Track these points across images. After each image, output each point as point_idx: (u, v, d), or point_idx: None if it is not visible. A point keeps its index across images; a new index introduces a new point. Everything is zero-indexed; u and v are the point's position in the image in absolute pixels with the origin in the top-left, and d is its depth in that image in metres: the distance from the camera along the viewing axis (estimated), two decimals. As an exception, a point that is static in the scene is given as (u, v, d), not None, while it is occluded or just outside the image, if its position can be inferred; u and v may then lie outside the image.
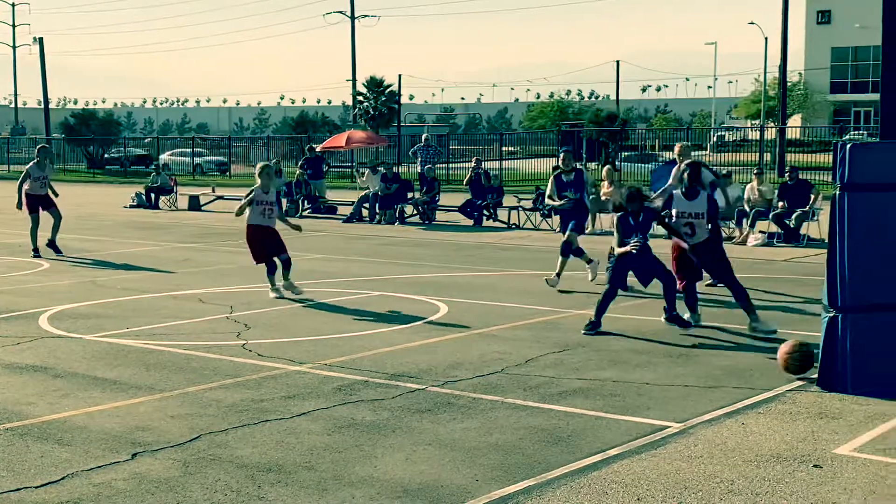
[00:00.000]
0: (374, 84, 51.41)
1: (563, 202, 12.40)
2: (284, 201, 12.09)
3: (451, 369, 7.96)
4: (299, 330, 9.71)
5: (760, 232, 17.76)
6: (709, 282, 11.30)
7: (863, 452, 5.81)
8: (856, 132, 49.04)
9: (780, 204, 17.82)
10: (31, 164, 16.54)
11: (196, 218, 24.72)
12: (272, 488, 5.30)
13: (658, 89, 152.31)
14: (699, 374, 7.81)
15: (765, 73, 58.67)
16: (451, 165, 39.94)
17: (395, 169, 24.71)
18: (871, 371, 7.19)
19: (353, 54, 54.33)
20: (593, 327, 9.39)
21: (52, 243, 16.15)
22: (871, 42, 56.84)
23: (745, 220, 17.96)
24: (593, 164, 41.89)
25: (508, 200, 22.27)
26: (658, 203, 10.28)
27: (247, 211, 11.77)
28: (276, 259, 11.68)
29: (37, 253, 15.96)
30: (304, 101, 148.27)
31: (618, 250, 9.62)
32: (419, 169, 25.41)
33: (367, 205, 23.09)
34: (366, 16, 57.40)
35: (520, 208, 21.38)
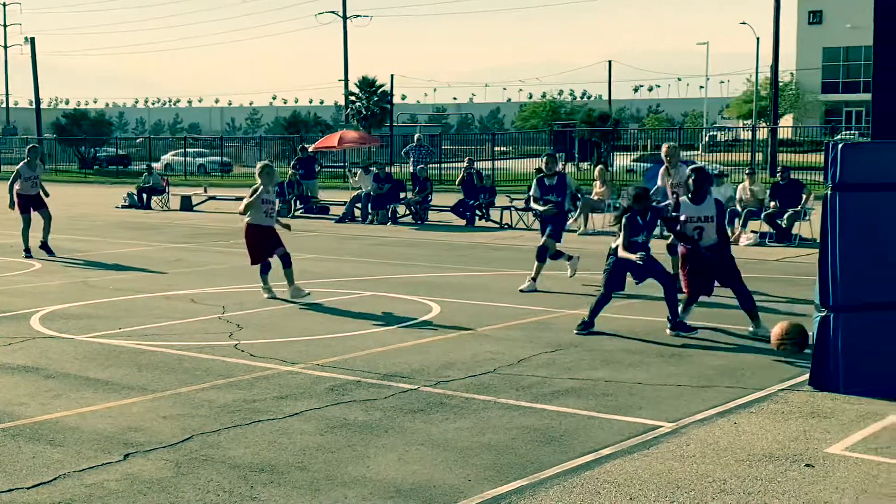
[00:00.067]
0: (367, 84, 51.40)
1: (547, 208, 12.25)
2: (277, 201, 11.84)
3: (443, 369, 7.96)
4: (291, 330, 9.70)
5: (752, 232, 17.81)
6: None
7: (854, 452, 5.83)
8: (847, 132, 49.22)
9: (772, 204, 17.88)
10: (21, 164, 16.49)
11: (188, 218, 24.68)
12: (265, 488, 5.29)
13: (650, 89, 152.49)
14: (691, 373, 7.82)
15: (756, 73, 58.83)
16: (443, 165, 39.97)
17: (387, 169, 24.66)
18: (862, 370, 7.22)
19: (345, 54, 54.30)
20: (586, 327, 9.39)
21: (44, 245, 16.10)
22: (863, 42, 57.03)
23: (737, 220, 18.00)
24: (585, 163, 42.00)
25: (500, 200, 22.28)
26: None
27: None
28: (273, 256, 11.49)
29: (28, 253, 15.91)
30: (296, 101, 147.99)
31: (622, 253, 9.35)
32: (411, 169, 25.44)
33: (359, 205, 23.09)
34: (358, 16, 57.39)
35: (512, 208, 21.39)
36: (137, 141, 66.91)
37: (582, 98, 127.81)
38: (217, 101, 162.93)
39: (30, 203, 16.29)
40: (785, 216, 17.60)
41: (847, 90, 64.63)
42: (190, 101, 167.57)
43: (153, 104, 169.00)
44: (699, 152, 41.05)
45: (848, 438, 6.08)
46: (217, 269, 14.50)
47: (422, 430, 6.32)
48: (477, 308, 10.95)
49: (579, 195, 21.00)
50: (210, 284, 12.84)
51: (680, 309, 9.36)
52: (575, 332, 9.34)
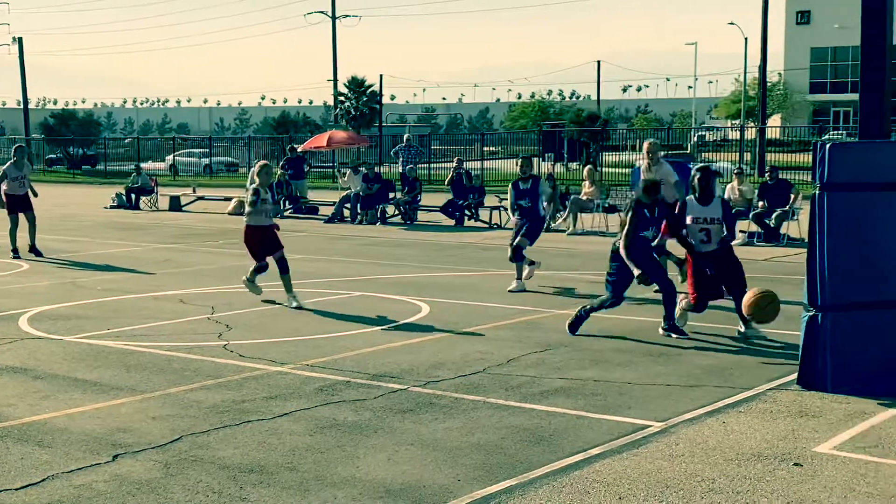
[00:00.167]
0: (356, 84, 51.34)
1: (516, 220, 12.16)
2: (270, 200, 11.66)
3: (432, 369, 7.96)
4: (281, 330, 9.68)
5: (741, 231, 17.86)
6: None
7: (843, 450, 5.86)
8: (835, 132, 49.42)
9: (761, 203, 17.94)
10: (7, 164, 16.41)
11: (177, 218, 24.61)
12: (254, 489, 5.28)
13: (639, 89, 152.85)
14: (680, 373, 7.85)
15: (745, 73, 59.01)
16: (432, 165, 39.96)
17: (376, 169, 24.64)
18: (850, 370, 7.25)
19: (334, 54, 54.22)
20: (577, 322, 9.31)
21: (32, 248, 16.04)
22: (850, 42, 57.28)
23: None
24: (574, 164, 42.06)
25: (490, 200, 22.29)
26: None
27: (243, 209, 11.38)
28: (270, 258, 11.22)
29: (16, 254, 15.84)
30: (285, 101, 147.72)
31: (623, 252, 9.05)
32: (401, 169, 25.40)
33: (348, 205, 23.06)
34: (347, 16, 57.30)
35: (501, 208, 21.41)
36: (126, 141, 66.66)
37: (571, 98, 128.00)
38: (206, 102, 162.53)
39: (17, 203, 16.22)
40: (773, 216, 17.67)
41: (835, 90, 64.91)
42: (178, 102, 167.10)
43: (142, 104, 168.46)
44: (688, 152, 41.14)
45: (836, 437, 6.11)
46: (206, 270, 14.46)
47: (411, 430, 6.32)
48: (466, 308, 10.95)
49: (569, 196, 21.04)
50: (199, 285, 12.81)
51: (677, 312, 9.23)
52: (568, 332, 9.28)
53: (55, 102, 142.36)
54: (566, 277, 13.36)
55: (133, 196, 28.02)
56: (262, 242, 11.23)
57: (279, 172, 25.10)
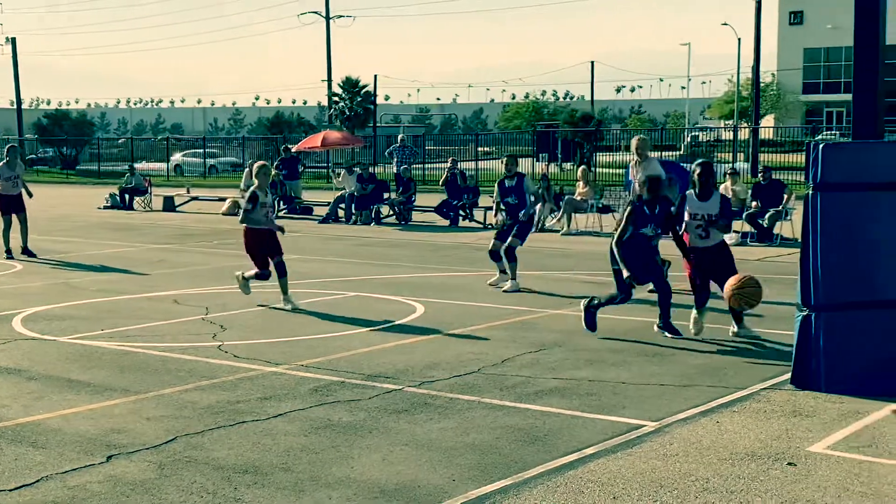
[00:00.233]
0: (350, 84, 51.29)
1: (523, 214, 12.15)
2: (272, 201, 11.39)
3: (427, 369, 7.96)
4: (275, 331, 9.67)
5: (734, 231, 17.89)
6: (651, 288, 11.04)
7: (836, 450, 5.87)
8: (828, 132, 49.58)
9: (754, 204, 17.98)
10: (0, 164, 16.36)
11: (171, 219, 24.57)
12: (248, 490, 5.28)
13: (632, 90, 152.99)
14: (674, 373, 7.86)
15: (738, 73, 59.09)
16: (427, 166, 39.93)
17: (370, 169, 24.67)
18: (844, 369, 7.27)
19: (328, 55, 54.17)
20: (590, 319, 9.19)
21: (25, 250, 16.00)
22: (843, 43, 57.48)
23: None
24: (569, 164, 42.10)
25: (484, 201, 22.27)
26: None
27: (240, 214, 10.98)
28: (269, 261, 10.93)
29: (9, 254, 15.80)
30: (279, 101, 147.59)
31: (615, 247, 9.02)
32: (395, 169, 25.39)
33: (343, 205, 23.05)
34: (341, 16, 57.22)
35: (495, 208, 21.40)
36: (119, 141, 66.52)
37: (565, 98, 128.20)
38: (199, 102, 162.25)
39: (10, 204, 16.18)
40: (766, 216, 17.70)
41: (828, 90, 65.09)
42: (172, 102, 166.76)
43: (135, 104, 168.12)
44: (681, 153, 41.22)
45: (830, 437, 6.13)
46: (200, 270, 14.44)
47: (406, 430, 6.32)
48: (461, 308, 10.96)
49: (563, 196, 21.06)
50: (193, 285, 12.79)
51: (691, 324, 9.06)
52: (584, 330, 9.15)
53: (48, 103, 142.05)
54: (561, 278, 13.37)
55: (127, 196, 27.97)
56: (262, 245, 10.93)
57: (273, 173, 25.10)
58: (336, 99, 51.69)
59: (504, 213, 12.34)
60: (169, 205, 27.46)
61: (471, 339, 9.19)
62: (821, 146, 7.34)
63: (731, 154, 38.53)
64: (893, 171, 7.40)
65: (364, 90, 51.55)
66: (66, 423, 6.54)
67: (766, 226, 17.66)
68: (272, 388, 7.42)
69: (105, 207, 27.83)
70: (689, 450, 5.90)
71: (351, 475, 5.50)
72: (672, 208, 9.18)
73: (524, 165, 38.22)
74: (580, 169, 22.56)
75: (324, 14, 54.85)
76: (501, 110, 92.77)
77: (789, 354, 7.62)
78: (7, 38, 59.69)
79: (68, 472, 5.56)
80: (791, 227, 17.52)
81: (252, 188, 11.03)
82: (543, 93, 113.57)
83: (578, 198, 20.51)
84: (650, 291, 9.86)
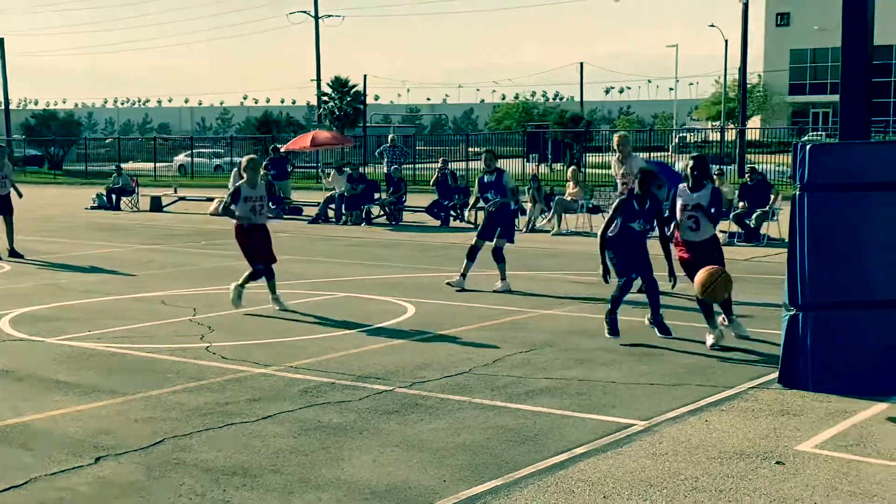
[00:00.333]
0: (339, 84, 51.22)
1: (491, 204, 12.16)
2: (264, 196, 10.95)
3: (418, 370, 7.96)
4: (264, 332, 9.65)
5: (721, 231, 17.96)
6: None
7: (824, 449, 5.90)
8: (814, 133, 49.80)
9: (741, 204, 18.05)
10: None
11: (158, 219, 24.50)
12: (237, 492, 5.27)
13: (621, 91, 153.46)
14: (663, 372, 7.88)
15: (725, 75, 59.34)
16: (417, 166, 39.94)
17: (360, 169, 24.65)
18: (831, 369, 7.30)
19: (317, 54, 54.09)
20: (613, 326, 8.95)
21: (12, 251, 15.91)
22: (830, 44, 57.73)
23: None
24: (559, 164, 42.17)
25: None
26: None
27: (235, 210, 10.55)
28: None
29: (-4, 255, 15.72)
30: (267, 101, 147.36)
31: (600, 236, 8.89)
32: (385, 169, 25.39)
33: (332, 206, 23.02)
34: (330, 15, 57.18)
35: (472, 203, 21.41)
36: (107, 141, 66.28)
37: (554, 99, 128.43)
38: (187, 101, 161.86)
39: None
40: (753, 216, 17.77)
41: (814, 91, 65.38)
42: (159, 101, 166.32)
43: (122, 104, 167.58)
44: (669, 153, 41.35)
45: (817, 436, 6.16)
46: (188, 271, 14.40)
47: (397, 431, 6.32)
48: (451, 309, 10.96)
49: (553, 196, 21.09)
50: (181, 286, 12.75)
51: (710, 339, 8.76)
52: (608, 336, 8.93)
53: (36, 103, 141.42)
54: (551, 278, 13.40)
55: (114, 197, 27.87)
56: (251, 241, 10.68)
57: (262, 173, 25.05)
58: (325, 99, 51.62)
59: (484, 211, 12.34)
60: (156, 205, 27.37)
61: (461, 340, 9.19)
62: (808, 147, 7.38)
63: (718, 155, 38.59)
64: (880, 172, 7.45)
65: (354, 90, 51.49)
66: (55, 424, 6.51)
67: (752, 226, 17.73)
68: (261, 389, 7.40)
69: (92, 208, 27.72)
70: (679, 449, 5.92)
71: (341, 477, 5.49)
72: (663, 207, 9.13)
73: (513, 166, 38.35)
74: (570, 169, 22.61)
75: (313, 13, 54.78)
76: (491, 111, 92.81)
77: (777, 354, 7.66)
78: (-6, 39, 59.36)
79: (56, 473, 5.54)
80: (778, 227, 17.59)
81: (238, 183, 10.86)
82: (533, 93, 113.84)
83: (568, 198, 20.55)
84: (639, 291, 9.87)
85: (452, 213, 22.25)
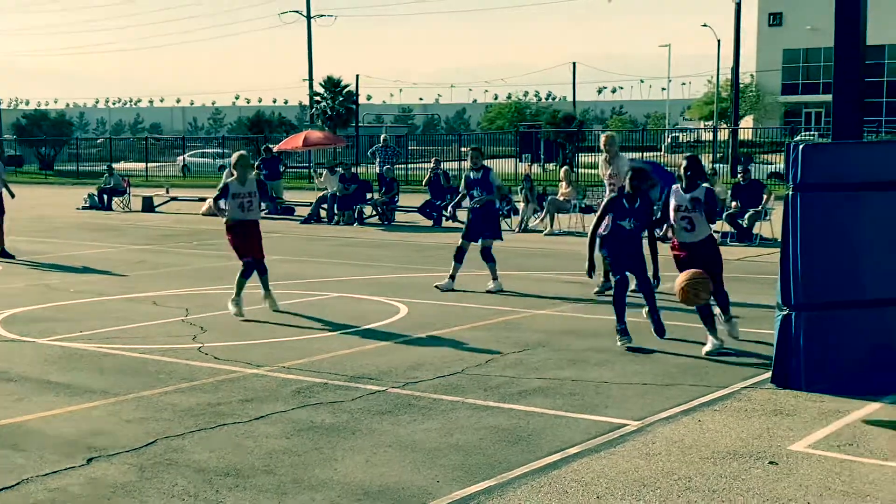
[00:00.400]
0: (332, 84, 51.15)
1: (476, 201, 12.12)
2: (254, 193, 10.66)
3: (411, 370, 7.95)
4: (257, 332, 9.63)
5: (714, 231, 17.98)
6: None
7: (817, 449, 5.91)
8: (807, 133, 49.93)
9: (734, 204, 18.08)
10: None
11: (150, 219, 24.43)
12: (230, 493, 5.25)
13: (613, 91, 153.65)
14: (656, 372, 7.88)
15: (717, 74, 59.45)
16: (409, 166, 39.93)
17: (353, 169, 24.58)
18: (824, 368, 7.32)
19: (309, 54, 54.01)
20: (624, 333, 8.76)
21: (3, 252, 15.84)
22: (822, 44, 57.87)
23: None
24: (551, 164, 42.20)
25: (468, 201, 22.29)
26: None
27: (224, 207, 10.46)
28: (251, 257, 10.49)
29: (-13, 256, 15.65)
30: (259, 101, 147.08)
31: (590, 234, 8.81)
32: (378, 169, 25.36)
33: (325, 206, 22.99)
34: (322, 15, 57.09)
35: (457, 200, 21.39)
36: (98, 141, 66.09)
37: (547, 99, 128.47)
38: (179, 101, 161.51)
39: (-11, 204, 16.02)
40: (746, 216, 17.80)
41: (806, 91, 65.48)
42: (151, 101, 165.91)
43: (114, 104, 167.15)
44: (662, 153, 41.42)
45: (810, 436, 6.16)
46: (180, 271, 14.36)
47: (390, 431, 6.31)
48: (444, 309, 10.95)
49: (545, 196, 21.09)
50: (173, 286, 12.72)
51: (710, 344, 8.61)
52: (619, 344, 8.73)
53: (27, 103, 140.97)
54: (543, 278, 13.40)
55: (105, 197, 27.78)
56: (241, 238, 10.49)
57: (254, 173, 25.00)
58: (318, 98, 51.54)
59: (467, 209, 12.34)
60: (148, 205, 27.30)
61: (454, 340, 9.18)
62: (801, 147, 7.39)
63: (711, 155, 38.69)
64: (872, 172, 7.47)
65: (346, 90, 51.41)
66: (46, 425, 6.48)
67: (745, 226, 17.76)
68: (253, 390, 7.38)
69: (84, 208, 27.64)
70: (672, 449, 5.91)
71: (334, 477, 5.47)
72: (655, 207, 9.01)
73: (506, 166, 38.36)
74: (563, 169, 22.62)
75: (305, 13, 54.71)
76: (484, 111, 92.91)
77: (770, 354, 7.67)
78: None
79: (48, 474, 5.51)
80: (770, 227, 17.63)
81: (227, 180, 10.73)
82: (526, 93, 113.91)
83: (561, 198, 20.56)
84: (633, 291, 9.84)
85: (445, 212, 22.23)
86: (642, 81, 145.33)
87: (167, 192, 29.35)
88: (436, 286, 12.19)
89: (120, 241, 18.96)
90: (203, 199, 26.44)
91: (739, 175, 19.24)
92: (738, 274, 13.16)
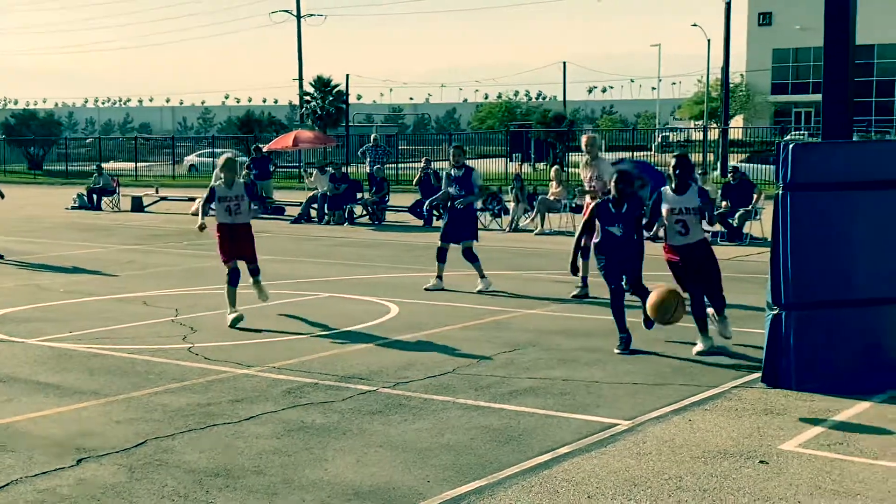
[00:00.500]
0: (322, 84, 51.06)
1: (459, 201, 12.05)
2: (242, 196, 10.38)
3: (402, 370, 7.94)
4: (247, 333, 9.60)
5: (704, 231, 18.02)
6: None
7: (808, 448, 5.92)
8: (797, 132, 50.07)
9: (724, 203, 18.12)
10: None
11: (139, 219, 24.35)
12: (220, 493, 5.23)
13: (604, 90, 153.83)
14: (647, 371, 7.89)
15: (707, 74, 59.58)
16: (400, 165, 39.90)
17: (343, 169, 24.56)
18: (814, 368, 7.33)
19: (299, 53, 53.92)
20: (626, 344, 8.57)
21: None
22: (812, 43, 58.09)
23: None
24: (542, 164, 42.23)
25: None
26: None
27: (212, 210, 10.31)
28: (242, 263, 10.31)
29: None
30: (249, 100, 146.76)
31: (576, 235, 8.64)
32: (368, 169, 25.33)
33: (315, 205, 22.95)
34: (312, 14, 56.99)
35: (476, 209, 21.40)
36: (87, 141, 65.84)
37: (537, 99, 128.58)
38: (168, 101, 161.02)
39: (-23, 204, 15.96)
40: (736, 216, 17.85)
41: (796, 91, 65.70)
42: (140, 101, 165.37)
43: (103, 104, 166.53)
44: (652, 153, 41.49)
45: (801, 435, 6.18)
46: (170, 271, 14.31)
47: (380, 431, 6.29)
48: (435, 308, 10.94)
49: (536, 196, 21.10)
50: (163, 286, 12.67)
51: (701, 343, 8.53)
52: (617, 351, 8.54)
53: (16, 102, 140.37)
54: (534, 277, 13.40)
55: (95, 197, 27.68)
56: (228, 241, 10.28)
57: (244, 172, 24.95)
58: (308, 98, 51.45)
59: (443, 208, 12.36)
60: (137, 205, 27.21)
61: (445, 340, 9.17)
62: (791, 146, 7.40)
63: (701, 155, 38.80)
64: (862, 171, 7.49)
65: (336, 89, 51.33)
66: (35, 426, 6.45)
67: (735, 225, 17.81)
68: (244, 390, 7.36)
69: (73, 208, 27.53)
70: (663, 448, 5.92)
71: (325, 477, 5.46)
72: (644, 209, 8.76)
73: (496, 166, 38.37)
74: (553, 169, 22.65)
75: (295, 13, 54.60)
76: (474, 110, 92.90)
77: (760, 353, 7.68)
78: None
79: (38, 475, 5.48)
80: (760, 226, 17.68)
81: (213, 183, 10.60)
82: (516, 93, 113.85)
83: (551, 198, 20.57)
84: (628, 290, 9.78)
85: (435, 212, 22.21)
86: (632, 81, 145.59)
87: (157, 191, 29.26)
88: (425, 289, 12.16)
89: (109, 241, 18.89)
90: (193, 199, 26.36)
91: (730, 175, 19.29)
92: (728, 273, 13.16)
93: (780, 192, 7.39)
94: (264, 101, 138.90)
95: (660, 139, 47.54)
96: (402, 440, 6.11)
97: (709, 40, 57.81)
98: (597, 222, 8.75)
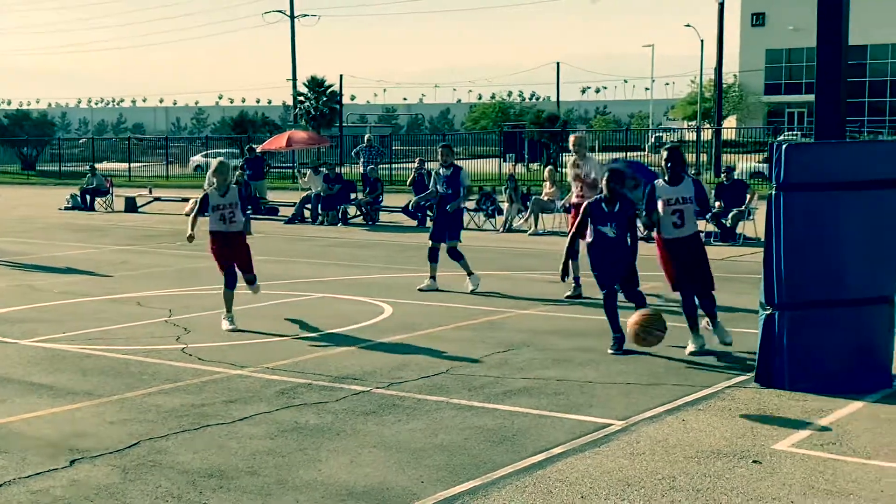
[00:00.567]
0: (315, 84, 51.05)
1: (450, 206, 12.02)
2: (234, 203, 10.10)
3: (395, 371, 7.94)
4: (240, 333, 9.58)
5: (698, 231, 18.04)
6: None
7: (801, 448, 5.93)
8: (790, 133, 50.20)
9: (717, 204, 18.14)
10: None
11: (133, 220, 24.31)
12: (214, 494, 5.22)
13: (597, 91, 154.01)
14: (641, 371, 7.90)
15: (700, 75, 59.67)
16: (393, 166, 39.88)
17: (337, 169, 24.57)
18: (807, 368, 7.35)
19: (293, 54, 53.87)
20: (619, 344, 8.48)
21: None
22: (805, 44, 58.18)
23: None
24: (535, 164, 42.25)
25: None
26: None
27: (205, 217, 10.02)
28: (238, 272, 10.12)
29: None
30: (243, 101, 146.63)
31: (568, 240, 8.54)
32: (362, 169, 25.33)
33: (309, 206, 22.94)
34: (305, 15, 56.95)
35: (463, 209, 21.40)
36: (80, 141, 65.70)
37: (531, 99, 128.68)
38: (161, 101, 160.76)
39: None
40: (729, 216, 17.88)
41: (789, 91, 65.88)
42: (134, 101, 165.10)
43: (96, 104, 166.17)
44: (645, 153, 41.55)
45: (794, 435, 6.19)
46: (163, 272, 14.29)
47: (374, 432, 6.29)
48: (429, 309, 10.94)
49: (530, 196, 21.12)
50: (156, 287, 12.65)
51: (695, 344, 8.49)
52: (610, 352, 8.49)
53: (9, 103, 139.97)
54: (528, 278, 13.41)
55: (88, 197, 27.62)
56: (222, 249, 9.98)
57: (238, 173, 24.91)
58: (301, 99, 51.42)
59: (434, 205, 12.40)
60: (131, 205, 27.16)
61: (439, 340, 9.18)
62: (784, 147, 7.42)
63: (694, 155, 38.87)
64: (855, 171, 7.50)
65: (330, 90, 51.33)
66: (29, 426, 6.43)
67: (729, 225, 17.84)
68: (237, 391, 7.35)
69: (66, 208, 27.48)
70: (656, 448, 5.93)
71: (318, 478, 5.46)
72: (637, 209, 8.71)
73: (490, 166, 38.38)
74: (547, 169, 22.66)
75: (288, 13, 54.55)
76: (468, 110, 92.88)
77: (753, 353, 7.70)
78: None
79: (31, 476, 5.47)
80: (754, 226, 17.71)
81: (206, 189, 10.30)
82: (510, 93, 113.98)
83: (545, 198, 20.58)
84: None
85: (429, 213, 22.21)
86: (626, 81, 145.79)
87: (150, 192, 29.21)
88: (419, 289, 12.16)
89: (103, 241, 18.86)
90: (186, 200, 26.33)
91: (723, 175, 19.33)
92: (721, 273, 13.19)
93: (774, 192, 7.41)
94: (258, 101, 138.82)
95: (653, 139, 47.60)
96: (396, 440, 6.11)
97: (702, 41, 57.92)
98: (589, 223, 8.70)
